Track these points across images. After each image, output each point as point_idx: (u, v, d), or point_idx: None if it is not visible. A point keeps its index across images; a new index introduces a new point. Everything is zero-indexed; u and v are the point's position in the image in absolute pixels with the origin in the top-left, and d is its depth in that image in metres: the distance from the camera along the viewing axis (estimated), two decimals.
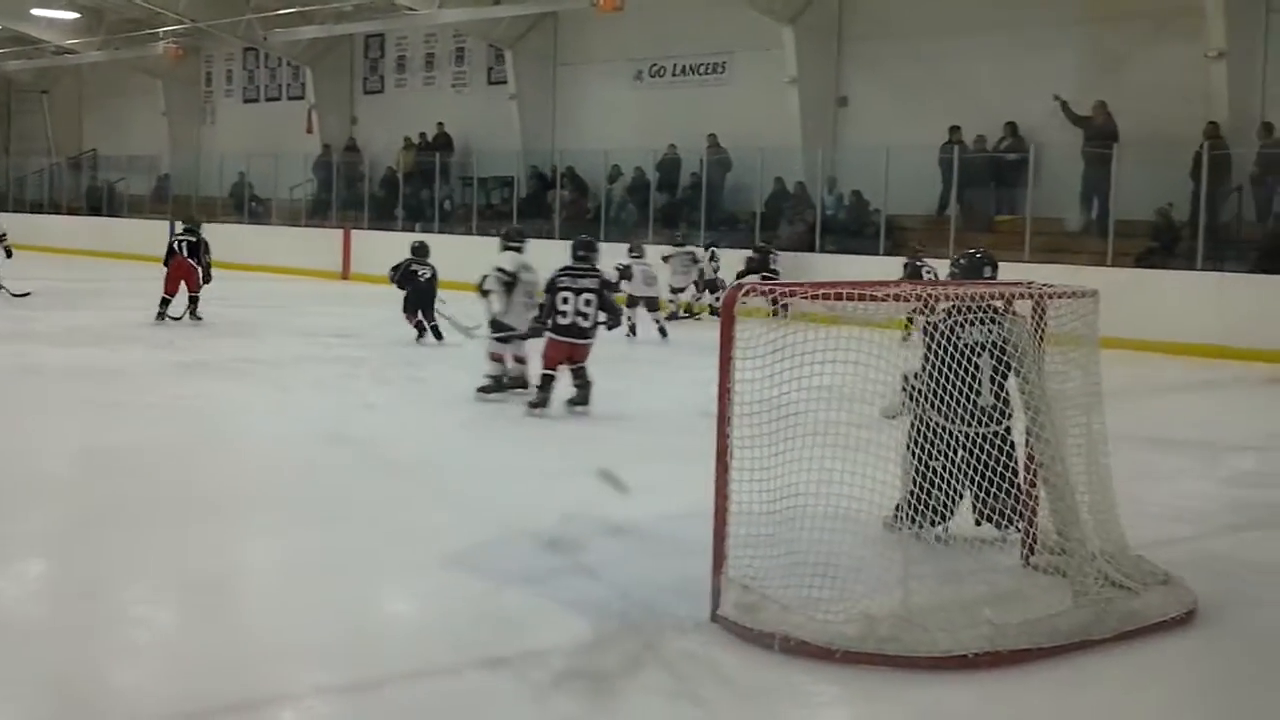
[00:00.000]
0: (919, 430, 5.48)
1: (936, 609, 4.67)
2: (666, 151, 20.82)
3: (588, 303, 9.39)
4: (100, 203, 31.49)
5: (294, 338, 14.47)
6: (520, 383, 10.13)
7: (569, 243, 9.82)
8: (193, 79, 31.68)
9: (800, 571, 4.86)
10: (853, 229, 18.61)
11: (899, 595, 4.67)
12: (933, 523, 5.57)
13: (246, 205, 27.30)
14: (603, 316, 9.61)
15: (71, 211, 31.78)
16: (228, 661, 4.49)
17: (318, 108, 27.97)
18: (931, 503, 5.44)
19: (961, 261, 6.49)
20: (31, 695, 4.22)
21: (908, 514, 5.25)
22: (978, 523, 5.73)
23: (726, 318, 4.89)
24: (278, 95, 29.98)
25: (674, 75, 22.36)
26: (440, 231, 22.99)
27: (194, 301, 15.33)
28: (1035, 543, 5.50)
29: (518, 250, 10.41)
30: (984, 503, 5.64)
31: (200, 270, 15.23)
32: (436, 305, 13.96)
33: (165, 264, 15.32)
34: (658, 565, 5.60)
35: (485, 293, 10.30)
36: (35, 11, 30.09)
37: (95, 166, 33.41)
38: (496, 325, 10.18)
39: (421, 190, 24.59)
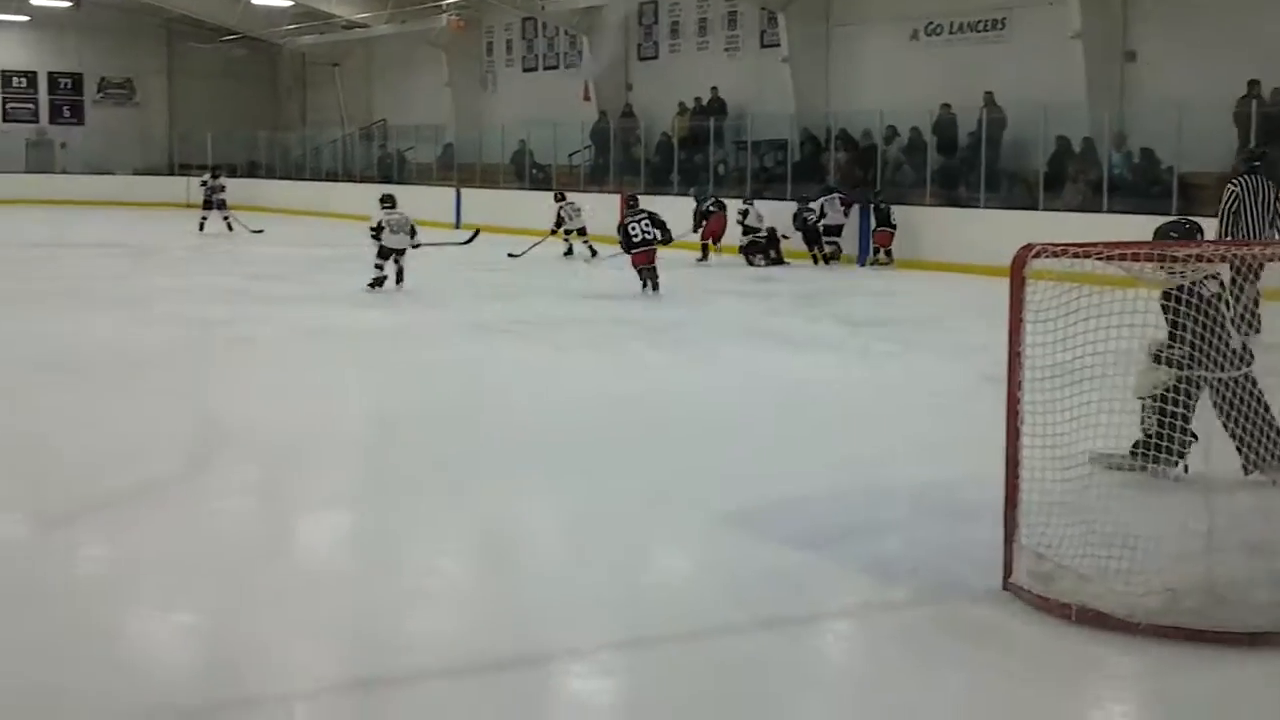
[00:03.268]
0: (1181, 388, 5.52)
1: (1244, 582, 4.49)
2: (943, 111, 20.39)
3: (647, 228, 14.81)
4: (390, 171, 32.69)
5: (570, 299, 14.78)
6: None
7: None
8: (474, 50, 32.52)
9: (1096, 540, 4.73)
10: (1141, 188, 17.89)
11: (1203, 567, 4.49)
12: (1173, 463, 5.73)
13: (527, 172, 27.93)
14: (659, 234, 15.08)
15: (363, 180, 33.07)
16: (512, 615, 4.63)
17: (593, 75, 28.37)
18: (1174, 445, 5.57)
19: (1173, 235, 6.46)
20: (334, 638, 4.46)
21: (1146, 454, 5.55)
22: (1247, 472, 5.79)
23: (1016, 279, 4.78)
24: (555, 64, 30.53)
25: (951, 33, 21.84)
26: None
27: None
28: None
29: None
30: (1252, 449, 5.75)
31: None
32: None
33: None
34: (945, 530, 5.53)
35: None
36: None
37: (385, 136, 34.69)
38: None
39: (695, 155, 24.71)
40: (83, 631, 4.38)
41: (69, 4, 36.21)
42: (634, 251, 15.03)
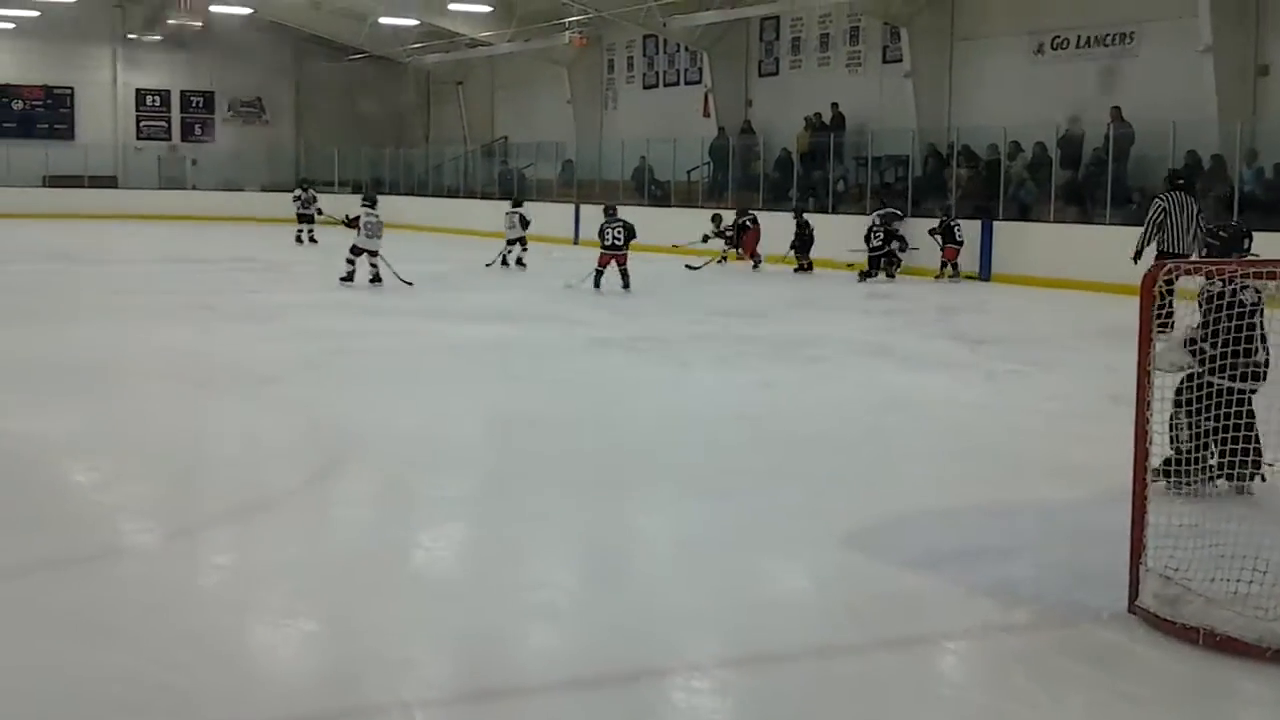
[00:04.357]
0: (1195, 390, 5.66)
1: None
2: (1070, 125, 20.10)
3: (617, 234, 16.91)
4: (511, 187, 33.03)
5: (693, 316, 14.79)
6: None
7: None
8: (595, 67, 32.78)
9: (1225, 564, 4.63)
10: (1273, 205, 17.47)
11: None
12: (1249, 476, 6.00)
13: (647, 188, 28.05)
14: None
15: (484, 196, 33.44)
16: (630, 629, 4.63)
17: (714, 91, 28.42)
18: (1225, 460, 5.90)
19: (1222, 234, 6.68)
20: (453, 647, 4.51)
21: (1181, 471, 5.67)
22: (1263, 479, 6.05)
23: (1146, 297, 4.70)
24: (676, 81, 30.63)
25: (1077, 47, 21.54)
26: (834, 211, 23.08)
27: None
28: None
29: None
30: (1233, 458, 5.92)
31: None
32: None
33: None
34: (1070, 552, 5.44)
35: None
36: (452, 6, 31.78)
37: (506, 153, 35.07)
38: None
39: (815, 171, 24.64)
40: (209, 638, 4.47)
41: (201, 24, 37.09)
42: (603, 251, 17.18)
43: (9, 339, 11.91)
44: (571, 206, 28.77)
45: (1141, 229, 13.94)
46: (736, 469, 7.22)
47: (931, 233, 19.65)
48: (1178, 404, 5.83)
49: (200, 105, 41.29)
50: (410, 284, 16.57)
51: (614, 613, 4.84)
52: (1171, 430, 5.94)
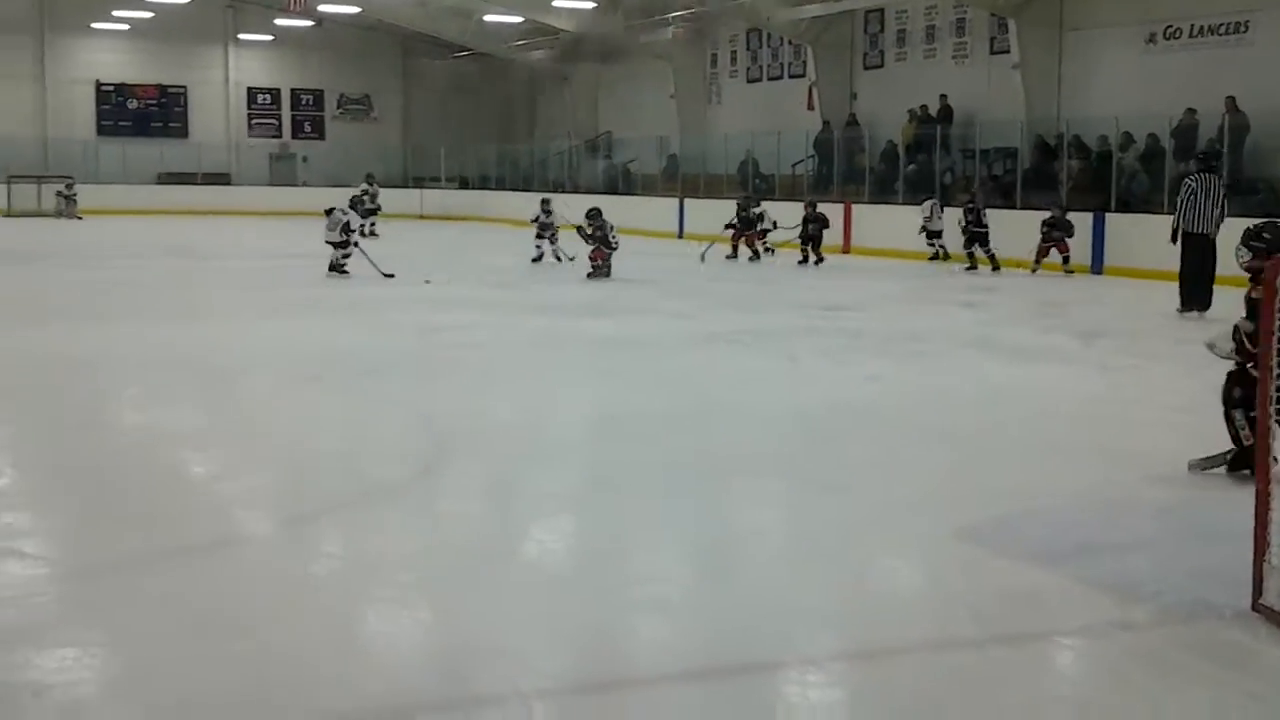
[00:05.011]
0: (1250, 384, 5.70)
1: None
2: (1186, 116, 19.70)
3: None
4: (615, 183, 33.13)
5: (797, 310, 14.75)
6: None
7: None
8: (699, 61, 32.75)
9: None
10: None
11: None
12: None
13: (751, 182, 28.00)
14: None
15: (589, 191, 33.55)
16: (741, 622, 4.62)
17: (818, 84, 28.28)
18: None
19: (1266, 235, 6.63)
20: (565, 638, 4.53)
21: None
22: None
23: (1270, 291, 4.61)
24: (779, 74, 30.51)
25: (1190, 36, 21.12)
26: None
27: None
28: None
29: None
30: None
31: None
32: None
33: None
34: (1191, 549, 5.35)
35: None
36: (556, 2, 31.95)
37: (610, 148, 35.18)
38: None
39: (922, 163, 24.42)
40: (326, 628, 4.54)
41: (311, 23, 37.66)
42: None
43: (129, 334, 12.19)
44: (676, 200, 28.80)
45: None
46: (846, 463, 7.19)
47: (1049, 224, 19.21)
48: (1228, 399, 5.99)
49: (310, 103, 41.95)
50: (391, 275, 16.82)
51: (725, 606, 4.83)
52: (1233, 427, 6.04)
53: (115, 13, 37.28)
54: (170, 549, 5.40)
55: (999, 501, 6.25)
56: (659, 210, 28.33)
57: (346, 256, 17.22)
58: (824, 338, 12.41)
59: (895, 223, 22.31)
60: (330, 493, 6.53)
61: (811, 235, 21.16)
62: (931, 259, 21.54)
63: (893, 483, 6.68)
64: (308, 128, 42.00)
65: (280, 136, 41.62)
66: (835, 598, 4.94)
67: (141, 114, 39.92)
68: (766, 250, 21.87)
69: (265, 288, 16.20)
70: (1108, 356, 11.36)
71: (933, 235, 21.51)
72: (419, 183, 39.82)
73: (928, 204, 21.71)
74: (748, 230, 21.88)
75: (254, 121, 41.43)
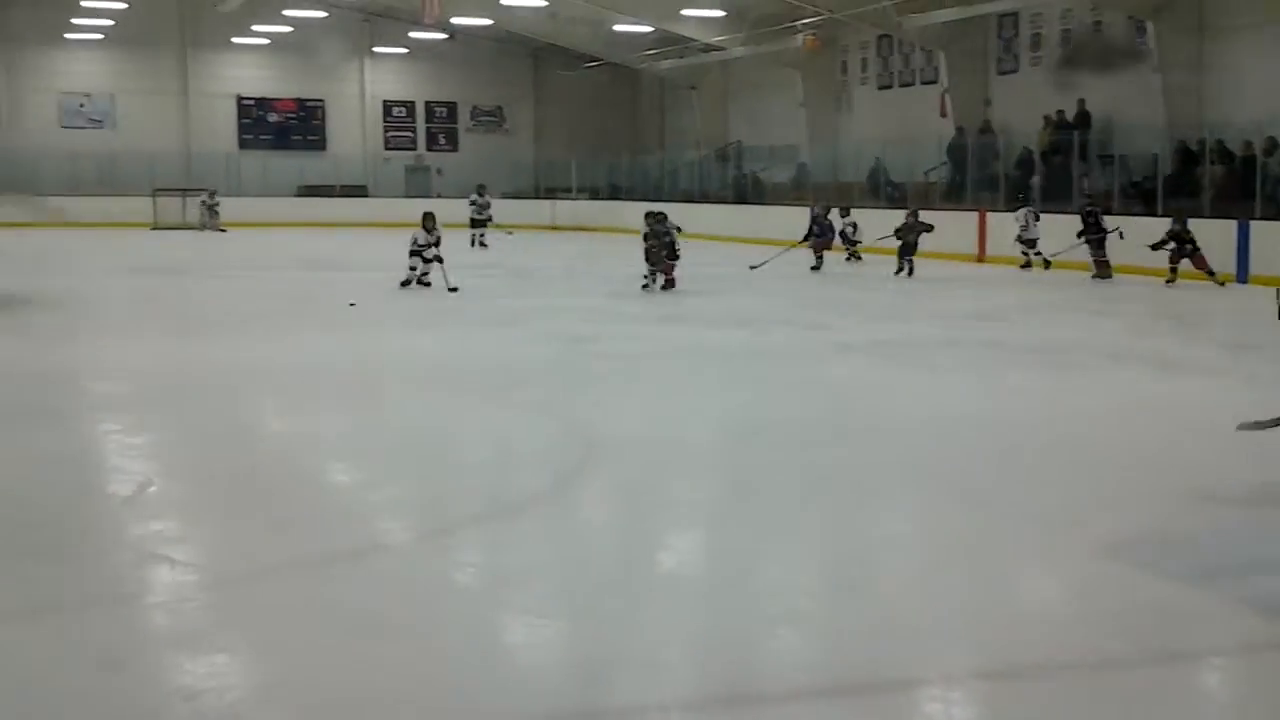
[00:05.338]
0: None
1: None
2: None
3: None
4: (745, 192, 33.08)
5: (934, 320, 14.59)
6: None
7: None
8: (829, 69, 32.57)
9: None
10: None
11: None
12: None
13: (882, 190, 27.76)
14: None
15: (719, 200, 33.56)
16: (879, 637, 4.58)
17: (951, 91, 27.97)
18: None
19: None
20: (701, 650, 4.51)
21: None
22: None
23: None
24: (911, 81, 30.24)
25: None
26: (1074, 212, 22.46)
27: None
28: None
29: None
30: None
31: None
32: None
33: None
34: None
35: None
36: (685, 12, 32.02)
37: (740, 157, 35.15)
38: None
39: (1058, 170, 24.01)
40: (467, 635, 4.60)
41: (445, 36, 38.19)
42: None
43: (272, 345, 12.47)
44: (806, 210, 28.61)
45: None
46: (986, 476, 7.08)
47: (1173, 234, 18.55)
48: None
49: (444, 115, 42.56)
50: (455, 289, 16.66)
51: (862, 620, 4.79)
52: None
53: (255, 28, 38.21)
54: (315, 556, 5.50)
55: (1143, 516, 6.11)
56: (788, 220, 28.16)
57: (412, 269, 17.12)
58: (963, 349, 12.26)
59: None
60: (473, 501, 6.61)
61: (910, 244, 20.42)
62: (1023, 267, 21.35)
63: (1034, 496, 6.57)
64: (442, 140, 42.60)
65: (415, 149, 42.27)
66: (975, 613, 4.87)
67: (281, 127, 40.83)
68: (854, 258, 21.68)
69: (406, 298, 16.43)
70: (1256, 368, 11.05)
71: (1027, 244, 21.34)
72: (550, 194, 40.17)
73: (1022, 211, 21.58)
74: (826, 238, 21.78)
75: (390, 134, 42.13)
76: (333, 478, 7.32)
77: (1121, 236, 19.05)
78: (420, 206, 36.56)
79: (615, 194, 38.69)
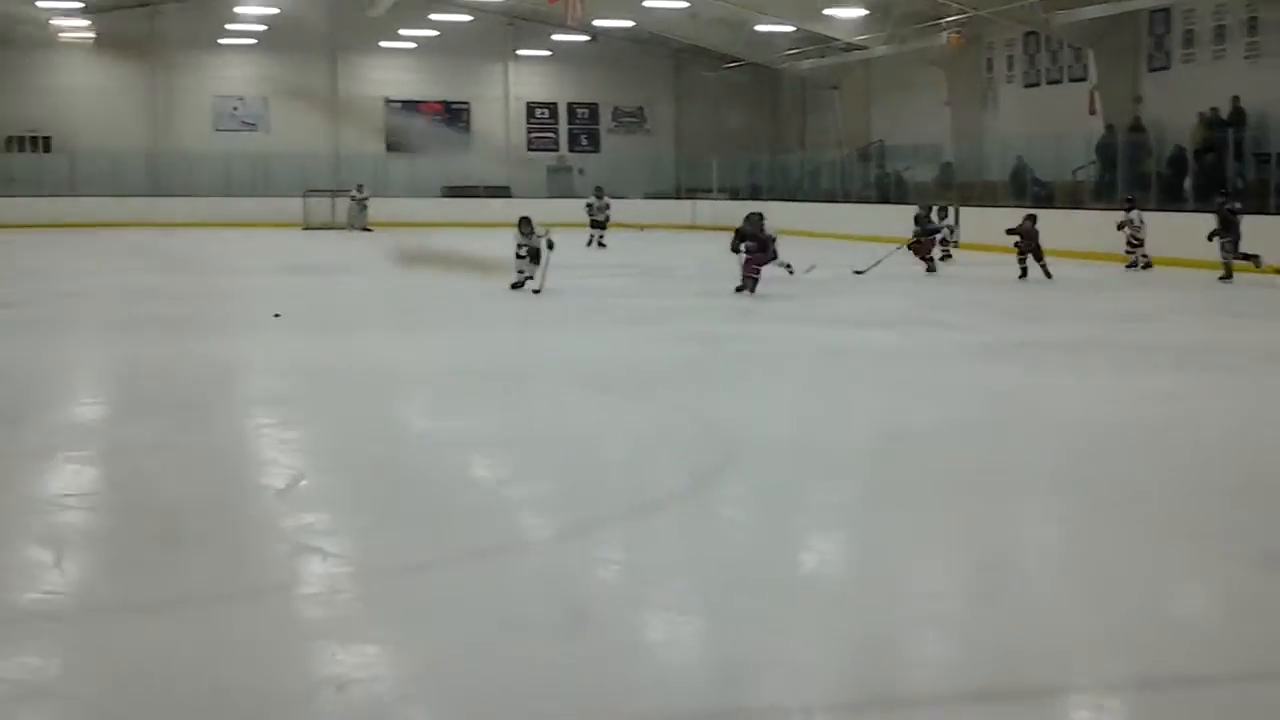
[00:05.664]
0: None
1: None
2: None
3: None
4: (888, 191, 32.78)
5: (1082, 321, 14.32)
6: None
7: None
8: (973, 67, 32.10)
9: None
10: None
11: None
12: None
13: (1029, 189, 27.31)
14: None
15: (861, 200, 33.31)
16: (1023, 643, 4.51)
17: (1100, 88, 27.40)
18: None
19: None
20: (842, 651, 4.51)
21: None
22: None
23: None
24: (1058, 78, 29.68)
25: None
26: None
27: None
28: None
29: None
30: None
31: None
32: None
33: None
34: None
35: None
36: (827, 11, 31.82)
37: (882, 156, 34.84)
38: None
39: (1211, 168, 23.38)
40: (607, 631, 4.64)
41: (587, 38, 38.47)
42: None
43: (417, 342, 12.72)
44: (950, 210, 28.28)
45: None
46: (1137, 483, 6.92)
47: None
48: None
49: (585, 116, 42.87)
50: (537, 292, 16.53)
51: (1006, 626, 4.73)
52: None
53: (402, 31, 38.88)
54: (461, 551, 5.59)
55: None
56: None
57: (519, 272, 17.01)
58: (1112, 351, 12.01)
59: (1182, 230, 21.42)
60: (615, 499, 6.66)
61: (1030, 247, 19.31)
62: (1129, 267, 21.00)
63: (1188, 504, 6.42)
64: (584, 140, 42.92)
65: (557, 149, 42.65)
66: (1124, 621, 4.76)
67: (427, 129, 41.47)
68: (945, 257, 21.49)
69: (548, 297, 16.59)
70: None
71: (1134, 244, 21.02)
72: (691, 194, 40.22)
73: (1136, 213, 21.17)
74: (929, 239, 21.16)
75: (533, 135, 42.56)
76: (478, 473, 7.44)
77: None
78: (562, 206, 37.08)
79: (756, 194, 38.56)
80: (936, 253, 21.33)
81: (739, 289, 16.31)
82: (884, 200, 32.30)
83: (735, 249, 16.34)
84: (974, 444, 7.94)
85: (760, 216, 16.79)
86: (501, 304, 15.89)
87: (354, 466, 7.34)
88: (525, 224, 17.00)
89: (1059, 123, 27.74)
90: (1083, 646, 4.52)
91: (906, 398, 9.62)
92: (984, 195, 28.00)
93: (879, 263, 19.68)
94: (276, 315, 14.30)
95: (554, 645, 4.47)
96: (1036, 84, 30.43)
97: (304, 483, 6.94)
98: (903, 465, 7.46)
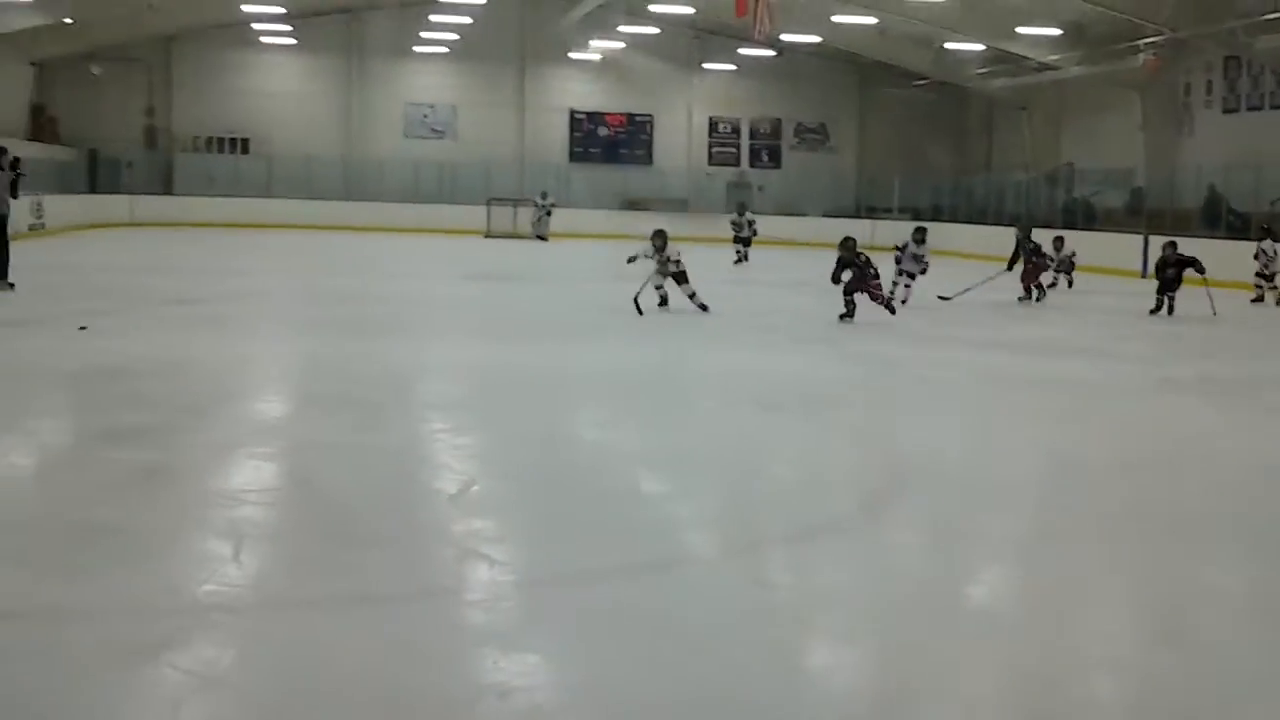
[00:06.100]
0: None
1: None
2: None
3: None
4: (1075, 216, 32.05)
5: (1266, 358, 13.84)
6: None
7: None
8: (1169, 91, 31.22)
9: None
10: None
11: None
12: None
13: (1224, 218, 26.44)
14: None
15: (1047, 225, 32.58)
16: (1195, 689, 4.39)
17: None
18: None
19: None
20: (1008, 681, 4.42)
21: None
22: None
23: None
24: (1260, 105, 28.70)
25: None
26: None
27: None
28: None
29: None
30: None
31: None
32: None
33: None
34: None
35: None
36: (1020, 30, 31.27)
37: (1071, 180, 34.08)
38: None
39: None
40: (773, 653, 4.61)
41: (773, 53, 38.42)
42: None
43: (587, 352, 12.85)
44: (1139, 238, 27.54)
45: None
46: None
47: None
48: None
49: (767, 132, 42.83)
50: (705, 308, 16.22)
51: (1181, 671, 4.59)
52: None
53: (591, 43, 39.35)
54: (624, 564, 5.62)
55: None
56: (1121, 247, 27.14)
57: (658, 288, 16.70)
58: None
59: None
60: (781, 520, 6.63)
61: (1168, 279, 18.05)
62: (1254, 301, 20.34)
63: None
64: (765, 156, 42.88)
65: (738, 164, 42.68)
66: None
67: (610, 141, 41.91)
68: (1052, 285, 20.88)
69: (718, 314, 16.60)
70: None
71: (1265, 278, 20.53)
72: (871, 212, 39.88)
73: (1269, 243, 20.57)
74: (1035, 264, 19.95)
75: (714, 149, 42.67)
76: (644, 487, 7.45)
77: None
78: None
79: (937, 214, 38.05)
80: (1047, 278, 20.56)
81: (841, 316, 15.77)
82: (1070, 225, 31.53)
83: (836, 279, 15.81)
84: (1147, 480, 7.73)
85: (854, 242, 16.36)
86: (670, 318, 15.92)
87: (524, 475, 7.43)
88: (658, 237, 16.60)
89: (1259, 150, 26.82)
90: (1258, 697, 4.38)
91: (1083, 430, 9.39)
92: (1176, 224, 27.14)
93: (969, 290, 19.16)
94: (82, 328, 12.42)
95: (714, 663, 4.46)
96: (1235, 110, 29.48)
97: (475, 488, 7.04)
98: (1073, 497, 7.28)
